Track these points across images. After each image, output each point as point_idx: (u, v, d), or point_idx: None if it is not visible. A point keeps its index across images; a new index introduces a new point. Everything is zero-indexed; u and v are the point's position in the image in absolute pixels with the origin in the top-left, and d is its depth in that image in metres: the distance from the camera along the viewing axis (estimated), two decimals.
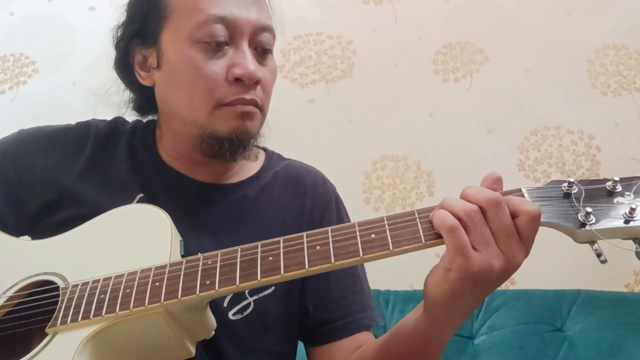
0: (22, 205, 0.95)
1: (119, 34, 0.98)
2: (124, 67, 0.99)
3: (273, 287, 0.92)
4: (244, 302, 0.90)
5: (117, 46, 0.98)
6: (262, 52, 0.92)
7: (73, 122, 1.04)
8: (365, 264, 1.02)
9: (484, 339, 1.62)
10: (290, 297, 0.94)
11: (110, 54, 1.00)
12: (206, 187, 0.97)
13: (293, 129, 2.12)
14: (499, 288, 0.71)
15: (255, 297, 0.91)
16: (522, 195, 0.69)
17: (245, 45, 0.89)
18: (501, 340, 1.60)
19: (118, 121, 1.04)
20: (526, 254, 0.67)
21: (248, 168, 1.01)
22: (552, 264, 1.87)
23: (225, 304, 0.89)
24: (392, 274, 1.75)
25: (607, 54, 2.09)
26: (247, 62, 0.88)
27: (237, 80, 0.88)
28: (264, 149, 1.07)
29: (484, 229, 0.66)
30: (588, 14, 2.12)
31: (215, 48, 0.88)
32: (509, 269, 0.66)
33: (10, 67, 2.36)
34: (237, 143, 0.90)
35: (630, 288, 1.89)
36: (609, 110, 2.03)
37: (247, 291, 0.90)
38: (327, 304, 0.95)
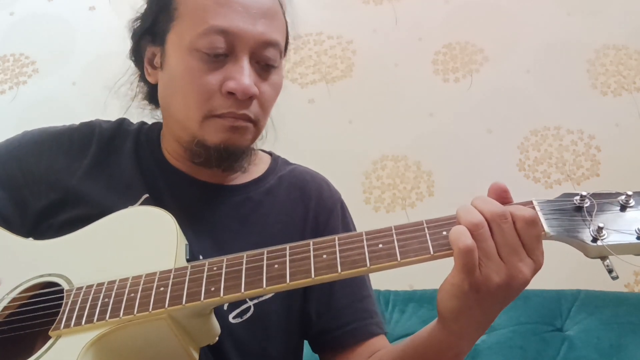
0: (26, 207, 0.95)
1: (135, 27, 0.98)
2: (137, 59, 1.00)
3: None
4: (244, 306, 0.90)
5: (132, 38, 0.99)
6: (265, 67, 0.91)
7: (73, 122, 1.04)
8: None
9: (484, 339, 1.61)
10: (291, 303, 0.94)
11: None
12: (210, 188, 0.97)
13: (293, 129, 2.11)
14: None
15: (256, 301, 0.90)
16: (533, 208, 0.68)
17: (244, 59, 0.88)
18: (501, 340, 1.60)
19: (123, 122, 1.04)
20: (534, 268, 0.66)
21: (253, 170, 1.01)
22: (552, 264, 1.86)
23: (225, 307, 0.89)
24: (392, 274, 1.73)
25: (607, 54, 2.09)
26: (243, 76, 0.87)
27: (231, 93, 0.87)
28: (270, 153, 1.07)
29: (487, 242, 0.65)
30: (588, 14, 2.12)
31: (213, 59, 0.88)
32: (511, 284, 0.65)
33: (10, 67, 2.35)
34: (225, 154, 0.90)
35: (630, 288, 1.89)
36: (609, 110, 2.04)
37: None
38: (331, 311, 0.94)
